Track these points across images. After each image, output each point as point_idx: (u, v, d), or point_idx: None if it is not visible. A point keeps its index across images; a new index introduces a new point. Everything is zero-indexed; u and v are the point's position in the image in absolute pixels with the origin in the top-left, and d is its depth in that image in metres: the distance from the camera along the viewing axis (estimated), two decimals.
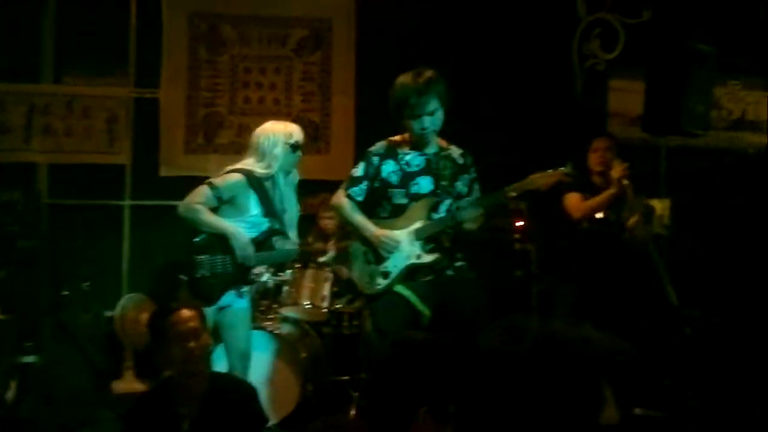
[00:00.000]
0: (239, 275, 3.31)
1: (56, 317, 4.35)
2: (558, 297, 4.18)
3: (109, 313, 4.62)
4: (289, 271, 4.28)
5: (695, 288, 4.15)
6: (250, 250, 3.27)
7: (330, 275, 4.24)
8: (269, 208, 3.36)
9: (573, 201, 4.03)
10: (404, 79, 3.08)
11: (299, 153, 3.42)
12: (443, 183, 3.12)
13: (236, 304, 3.35)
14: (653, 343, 3.95)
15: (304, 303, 4.15)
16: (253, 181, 3.31)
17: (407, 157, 3.15)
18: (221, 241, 3.26)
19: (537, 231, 4.62)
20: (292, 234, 3.49)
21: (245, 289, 3.39)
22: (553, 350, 1.02)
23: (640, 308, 4.04)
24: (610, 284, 3.99)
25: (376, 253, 3.13)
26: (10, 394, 3.86)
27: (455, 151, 3.23)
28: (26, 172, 5.11)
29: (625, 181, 3.73)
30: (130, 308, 4.72)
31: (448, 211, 3.14)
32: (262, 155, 3.36)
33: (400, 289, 3.09)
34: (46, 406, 3.18)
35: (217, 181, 3.32)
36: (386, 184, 3.14)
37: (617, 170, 3.80)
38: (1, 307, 3.64)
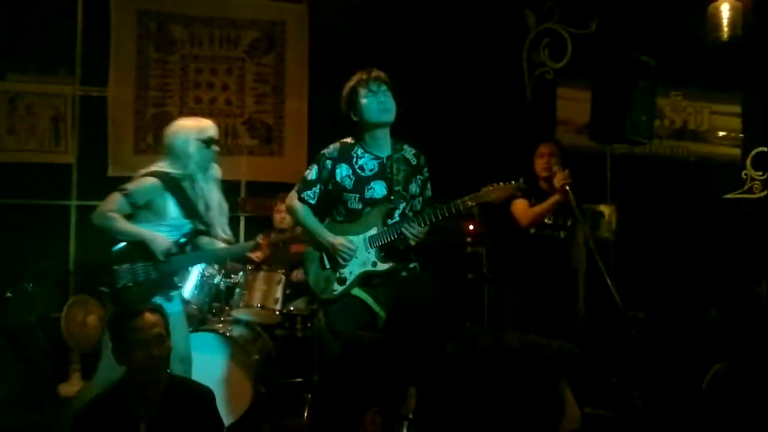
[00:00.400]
0: (164, 281, 3.20)
1: (0, 321, 4.22)
2: (506, 301, 4.25)
3: (55, 315, 4.50)
4: (241, 273, 4.24)
5: (640, 290, 4.29)
6: (172, 254, 3.16)
7: (282, 277, 4.22)
8: (190, 209, 3.25)
9: (520, 208, 4.09)
10: (356, 74, 3.13)
11: (215, 148, 3.30)
12: (396, 188, 3.13)
13: (167, 309, 3.15)
14: (600, 345, 4.06)
15: (256, 305, 4.12)
16: (169, 183, 3.19)
17: (361, 161, 3.14)
18: (140, 248, 3.14)
19: (488, 235, 4.70)
20: (222, 231, 3.36)
21: (174, 293, 3.28)
22: (504, 360, 1.03)
23: (586, 311, 4.15)
24: (556, 287, 4.08)
25: (332, 259, 3.13)
26: None
27: (408, 152, 3.25)
28: None
29: (567, 187, 3.81)
30: (77, 310, 4.61)
31: (402, 215, 3.16)
32: (175, 156, 3.23)
33: (356, 291, 3.09)
34: None
35: (130, 186, 3.19)
36: (340, 189, 3.13)
37: (559, 177, 3.88)
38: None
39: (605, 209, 4.40)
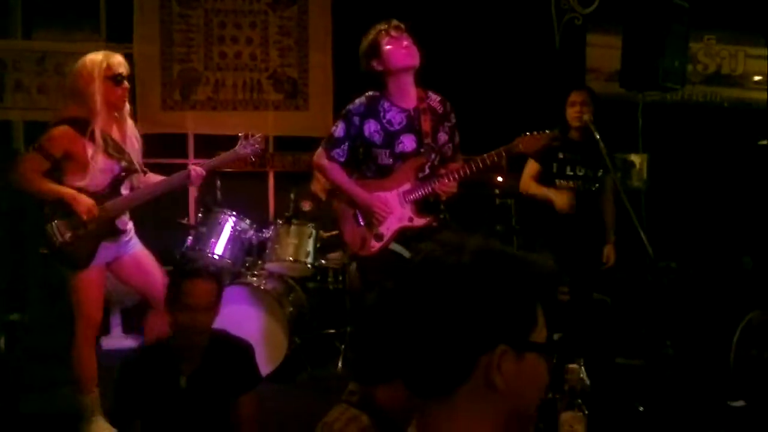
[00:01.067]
0: (105, 228, 3.09)
1: (42, 275, 4.31)
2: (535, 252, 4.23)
3: None
4: (272, 227, 4.29)
5: (672, 240, 4.26)
6: (95, 208, 3.02)
7: (313, 231, 4.26)
8: (114, 148, 3.08)
9: (527, 173, 4.08)
10: (374, 27, 3.08)
11: (125, 85, 3.08)
12: (426, 141, 3.10)
13: (126, 251, 3.19)
14: (631, 295, 4.06)
15: (289, 258, 4.17)
16: (81, 127, 3.01)
17: (388, 115, 3.09)
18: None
19: (516, 186, 4.67)
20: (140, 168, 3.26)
21: (126, 238, 3.19)
22: (495, 262, 1.01)
23: (617, 261, 4.13)
24: (585, 239, 4.06)
25: (367, 216, 3.10)
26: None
27: (434, 99, 3.19)
28: (1, 129, 5.00)
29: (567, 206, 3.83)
30: None
31: (432, 167, 3.14)
32: (79, 96, 3.02)
33: (392, 245, 3.10)
34: (36, 361, 3.18)
35: (43, 140, 3.03)
36: (370, 144, 3.09)
37: (561, 198, 3.90)
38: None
39: (636, 159, 4.33)
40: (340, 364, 4.14)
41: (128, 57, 5.08)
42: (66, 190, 3.01)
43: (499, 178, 4.73)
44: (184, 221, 4.36)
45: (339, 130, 3.12)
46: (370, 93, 3.13)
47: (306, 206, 4.56)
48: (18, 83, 5.05)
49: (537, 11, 5.41)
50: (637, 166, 4.37)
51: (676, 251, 4.38)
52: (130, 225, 3.28)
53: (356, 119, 3.09)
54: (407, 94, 3.11)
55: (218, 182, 4.45)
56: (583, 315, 3.87)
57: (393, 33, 3.03)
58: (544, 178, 4.10)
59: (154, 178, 3.31)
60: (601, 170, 4.05)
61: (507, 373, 0.99)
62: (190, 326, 2.36)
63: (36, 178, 3.00)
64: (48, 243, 3.05)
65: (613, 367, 3.70)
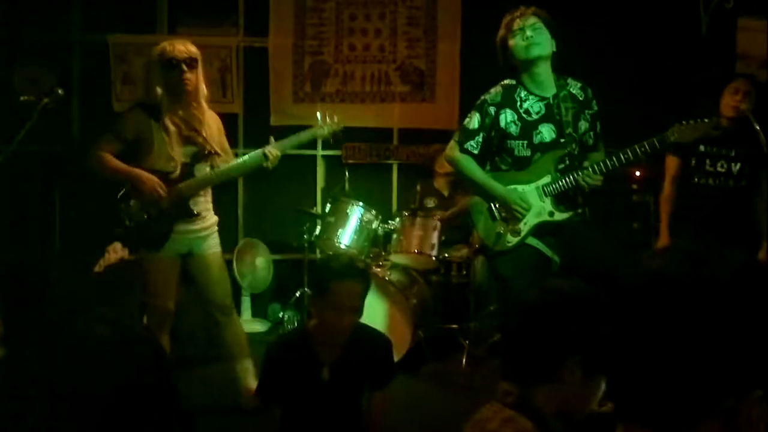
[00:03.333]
0: (177, 209, 3.11)
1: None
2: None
3: (227, 257, 4.79)
4: (398, 219, 4.29)
5: None
6: (162, 188, 3.04)
7: (438, 224, 4.21)
8: (186, 131, 3.09)
9: (668, 173, 3.83)
10: (504, 19, 3.00)
11: (182, 67, 3.00)
12: (567, 131, 2.93)
13: (199, 249, 3.20)
14: None
15: (414, 250, 4.15)
16: (150, 112, 3.05)
17: (526, 104, 2.95)
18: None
19: (656, 182, 4.39)
20: (223, 151, 3.23)
21: (202, 232, 3.18)
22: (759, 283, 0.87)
23: None
24: (735, 243, 3.73)
25: (504, 211, 2.99)
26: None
27: (574, 86, 3.02)
28: None
29: None
30: (247, 252, 4.87)
31: (572, 158, 2.99)
32: (144, 83, 3.15)
33: (528, 239, 2.98)
34: (172, 342, 3.34)
35: (117, 122, 3.13)
36: (505, 136, 2.95)
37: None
38: (128, 249, 3.78)
39: None
40: (464, 361, 4.07)
41: (263, 50, 5.35)
42: (134, 171, 3.05)
43: (638, 173, 4.46)
44: (312, 210, 4.44)
45: (473, 121, 3.01)
46: (506, 81, 3.01)
47: (430, 203, 4.54)
48: None
49: None
50: None
51: None
52: (213, 220, 3.28)
53: (491, 109, 2.97)
54: (544, 82, 2.97)
55: (346, 173, 4.51)
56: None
57: (514, 26, 2.92)
58: (683, 174, 3.82)
59: (232, 159, 3.28)
60: (748, 166, 3.72)
61: (759, 428, 0.85)
62: (334, 325, 2.33)
63: (107, 158, 3.06)
64: (122, 223, 3.10)
65: None
